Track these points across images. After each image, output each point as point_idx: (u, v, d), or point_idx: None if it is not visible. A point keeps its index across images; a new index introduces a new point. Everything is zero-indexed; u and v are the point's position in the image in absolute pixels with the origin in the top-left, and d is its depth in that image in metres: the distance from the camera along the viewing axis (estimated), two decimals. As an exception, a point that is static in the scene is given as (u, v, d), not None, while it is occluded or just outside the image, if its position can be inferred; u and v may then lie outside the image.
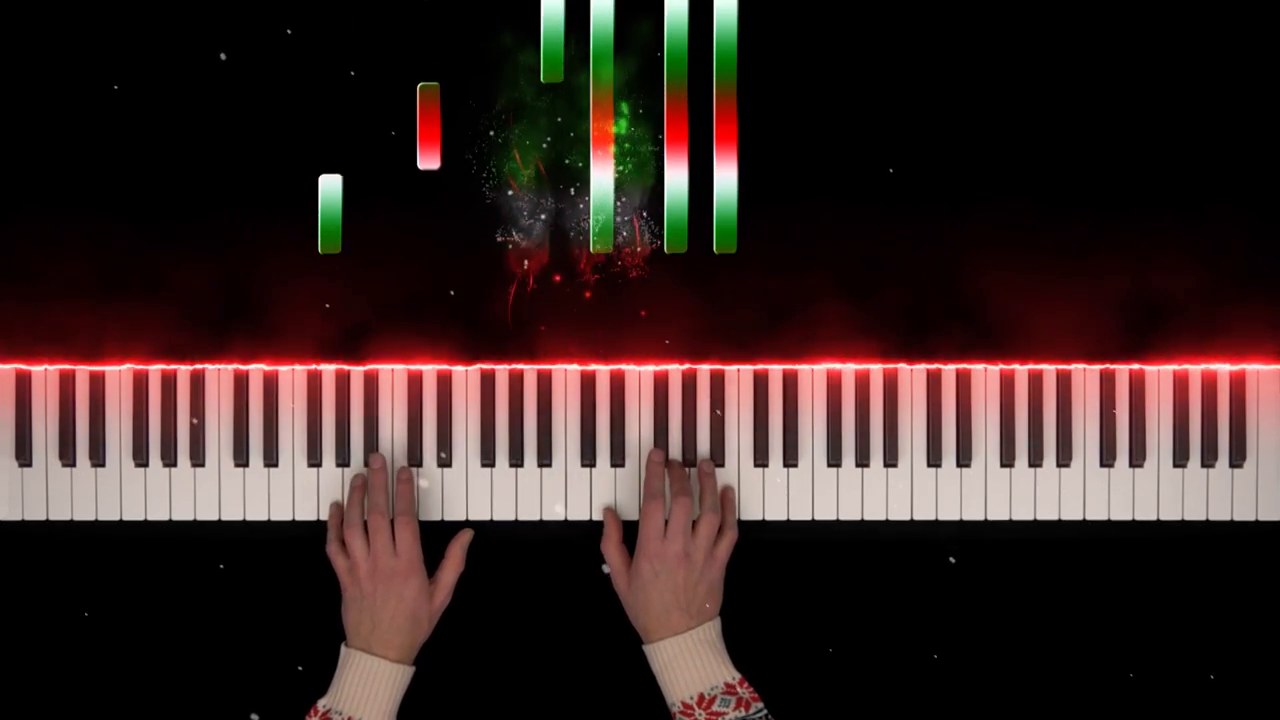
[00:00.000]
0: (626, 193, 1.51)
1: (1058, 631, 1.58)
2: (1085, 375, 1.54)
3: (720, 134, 1.50)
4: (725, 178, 1.51)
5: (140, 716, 1.58)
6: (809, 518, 1.54)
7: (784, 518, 1.54)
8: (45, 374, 1.53)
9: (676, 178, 1.51)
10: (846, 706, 1.57)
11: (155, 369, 1.53)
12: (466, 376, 1.54)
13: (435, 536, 1.51)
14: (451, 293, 1.50)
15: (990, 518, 1.54)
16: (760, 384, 1.54)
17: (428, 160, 1.51)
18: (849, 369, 1.54)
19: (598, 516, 1.54)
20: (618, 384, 1.54)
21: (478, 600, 1.55)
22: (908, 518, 1.54)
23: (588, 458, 1.54)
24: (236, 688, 1.58)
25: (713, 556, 1.47)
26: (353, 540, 1.48)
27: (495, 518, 1.54)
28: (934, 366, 1.53)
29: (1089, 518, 1.54)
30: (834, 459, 1.54)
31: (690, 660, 1.44)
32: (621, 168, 1.51)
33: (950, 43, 1.51)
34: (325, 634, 1.53)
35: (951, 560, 1.57)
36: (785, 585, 1.57)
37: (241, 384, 1.53)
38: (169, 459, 1.53)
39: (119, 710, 1.58)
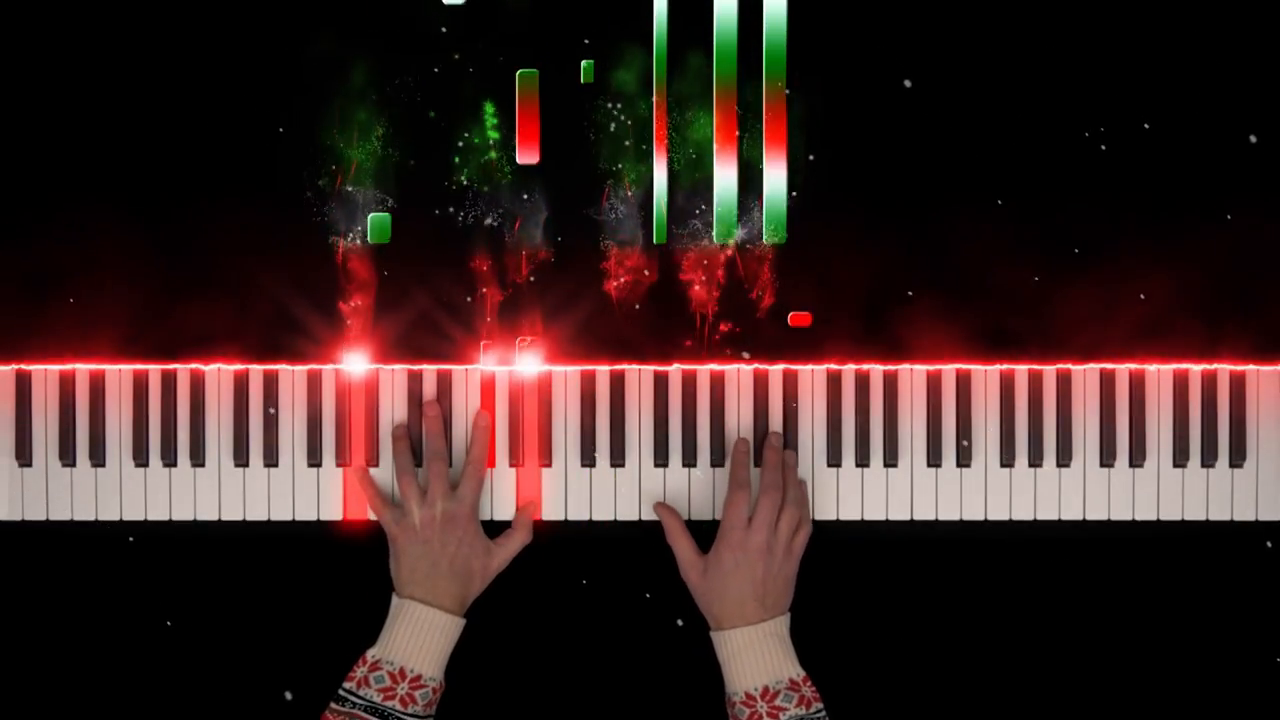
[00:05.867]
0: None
1: (1057, 631, 1.58)
2: (1085, 375, 1.54)
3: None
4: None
5: (140, 716, 1.58)
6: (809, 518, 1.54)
7: (784, 518, 1.54)
8: (45, 374, 1.53)
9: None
10: (845, 706, 1.56)
11: (155, 369, 1.53)
12: (466, 376, 1.54)
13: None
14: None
15: (990, 518, 1.54)
16: (760, 384, 1.54)
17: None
18: (849, 369, 1.54)
19: (599, 516, 1.54)
20: (617, 384, 1.54)
21: (479, 602, 1.55)
22: (908, 518, 1.54)
23: (588, 458, 1.54)
24: (236, 688, 1.58)
25: (790, 550, 1.47)
26: (407, 487, 1.47)
27: (495, 518, 1.54)
28: (934, 367, 1.53)
29: (1089, 518, 1.54)
30: (834, 459, 1.54)
31: (759, 651, 1.43)
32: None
33: (949, 55, 1.51)
34: (324, 634, 1.53)
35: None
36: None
37: (241, 384, 1.53)
38: (169, 459, 1.53)
39: (119, 711, 1.58)
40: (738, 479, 1.49)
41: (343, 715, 1.40)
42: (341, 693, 1.42)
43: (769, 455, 1.51)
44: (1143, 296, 1.51)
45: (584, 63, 1.51)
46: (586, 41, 1.51)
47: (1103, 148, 1.52)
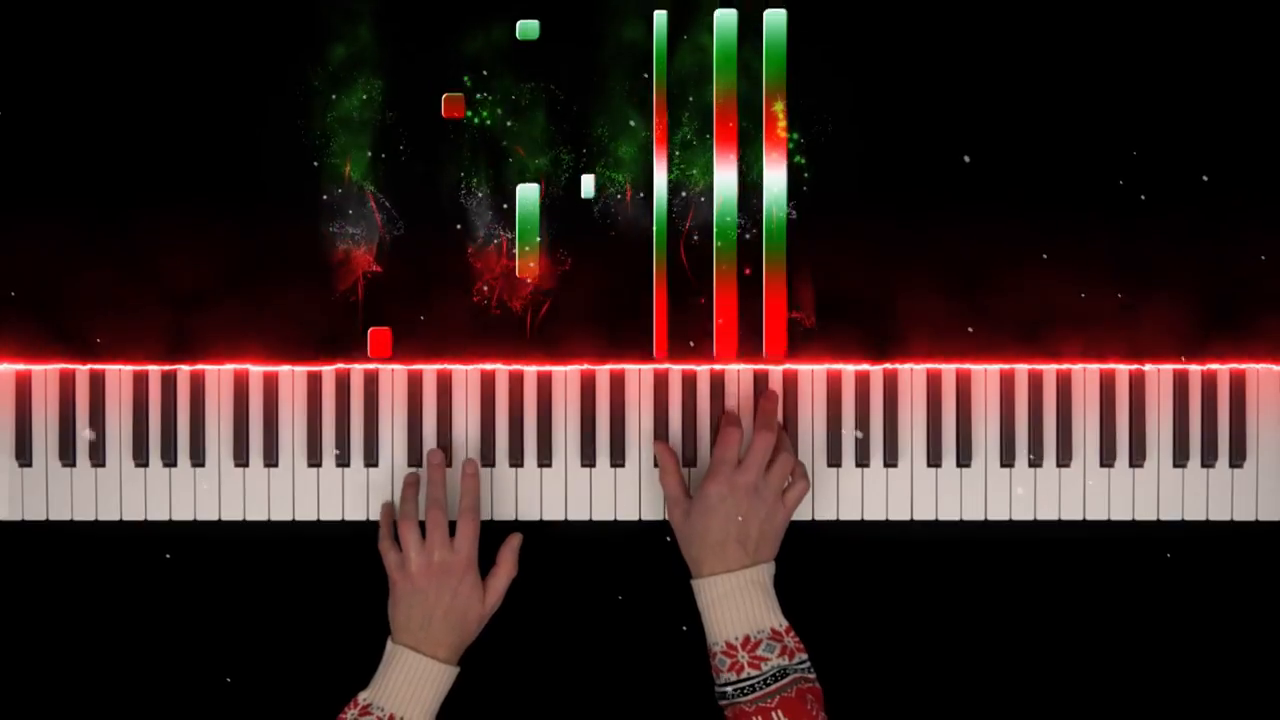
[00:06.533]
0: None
1: (1057, 631, 1.58)
2: (1085, 375, 1.54)
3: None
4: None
5: (140, 716, 1.58)
6: (809, 518, 1.54)
7: (784, 518, 1.54)
8: (45, 374, 1.53)
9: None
10: (845, 706, 1.56)
11: (155, 369, 1.53)
12: (466, 376, 1.54)
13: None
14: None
15: (990, 518, 1.54)
16: (761, 384, 1.54)
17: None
18: (849, 369, 1.54)
19: (599, 516, 1.54)
20: (618, 383, 1.54)
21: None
22: (908, 518, 1.54)
23: (588, 457, 1.54)
24: (234, 689, 1.58)
25: (782, 500, 1.45)
26: (407, 533, 1.46)
27: (495, 517, 1.54)
28: (934, 366, 1.53)
29: (1089, 518, 1.54)
30: (834, 459, 1.54)
31: (739, 599, 1.41)
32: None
33: (956, 57, 1.51)
34: (324, 634, 1.53)
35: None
36: (783, 585, 1.56)
37: (241, 384, 1.53)
38: (169, 459, 1.53)
39: (119, 711, 1.58)
40: (731, 417, 1.48)
41: None
42: None
43: (765, 403, 1.50)
44: (1142, 297, 1.51)
45: (584, 177, 1.52)
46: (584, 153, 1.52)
47: (1103, 149, 1.51)
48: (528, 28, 1.50)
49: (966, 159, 1.51)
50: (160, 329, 1.51)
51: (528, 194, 1.52)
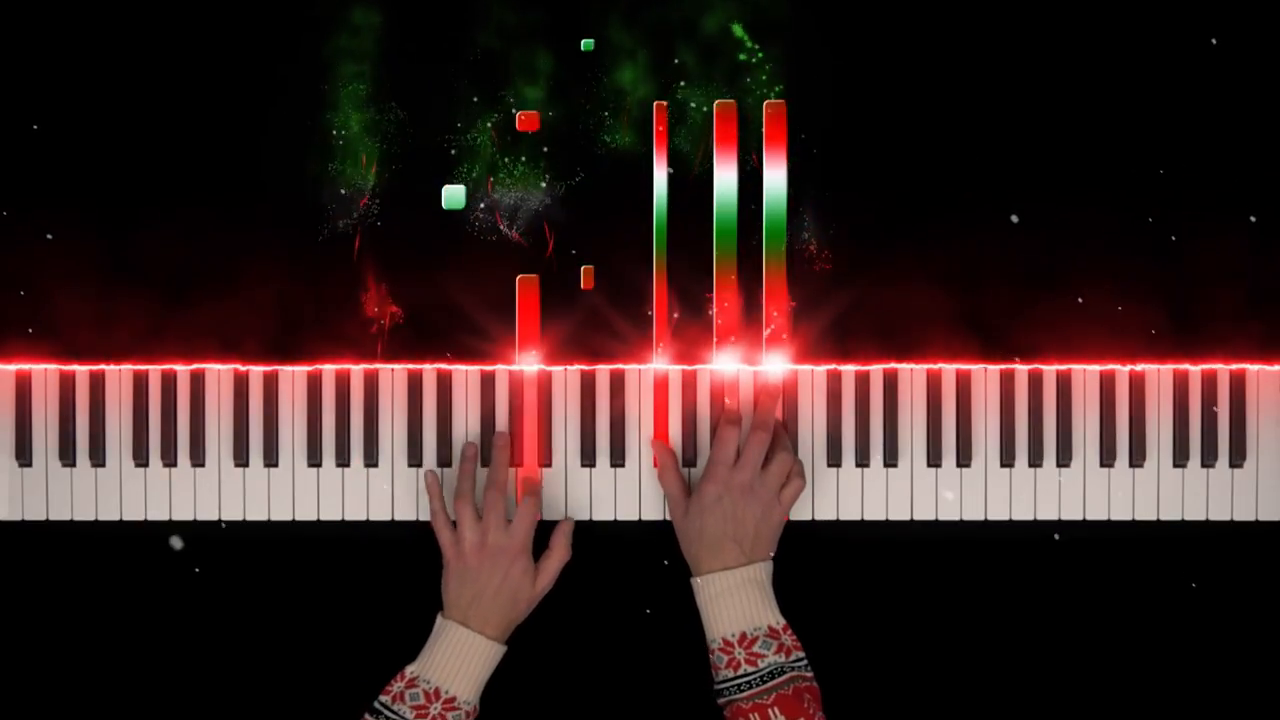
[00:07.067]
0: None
1: (1057, 631, 1.58)
2: (1085, 375, 1.54)
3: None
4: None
5: (140, 716, 1.58)
6: (809, 518, 1.54)
7: (784, 518, 1.54)
8: (45, 374, 1.53)
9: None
10: (845, 706, 1.56)
11: (155, 369, 1.53)
12: (466, 377, 1.54)
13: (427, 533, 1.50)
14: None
15: (991, 518, 1.54)
16: (760, 384, 1.54)
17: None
18: (849, 369, 1.54)
19: (599, 516, 1.54)
20: (618, 383, 1.54)
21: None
22: (908, 518, 1.54)
23: (588, 457, 1.54)
24: (235, 689, 1.58)
25: (778, 499, 1.46)
26: (463, 512, 1.47)
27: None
28: (934, 366, 1.53)
29: (1089, 518, 1.54)
30: (834, 459, 1.54)
31: (736, 597, 1.42)
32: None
33: (951, 59, 1.51)
34: (323, 635, 1.53)
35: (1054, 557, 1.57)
36: (783, 585, 1.56)
37: (241, 384, 1.53)
38: (169, 459, 1.53)
39: (120, 711, 1.58)
40: (729, 416, 1.48)
41: None
42: (377, 705, 1.42)
43: (763, 401, 1.50)
44: (1143, 297, 1.51)
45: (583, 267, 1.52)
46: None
47: (1103, 150, 1.51)
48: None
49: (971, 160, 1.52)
50: (159, 329, 1.51)
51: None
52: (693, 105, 1.52)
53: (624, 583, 1.57)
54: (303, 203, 1.52)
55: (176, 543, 1.54)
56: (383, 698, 1.42)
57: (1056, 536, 1.54)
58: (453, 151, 1.52)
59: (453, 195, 1.52)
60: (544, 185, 1.52)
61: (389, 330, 1.52)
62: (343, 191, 1.52)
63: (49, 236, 1.51)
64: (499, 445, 1.50)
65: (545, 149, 1.52)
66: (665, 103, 1.52)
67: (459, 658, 1.43)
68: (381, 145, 1.52)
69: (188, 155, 1.51)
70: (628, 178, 1.52)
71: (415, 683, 1.42)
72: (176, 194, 1.51)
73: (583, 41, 1.52)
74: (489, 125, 1.51)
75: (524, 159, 1.52)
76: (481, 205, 1.52)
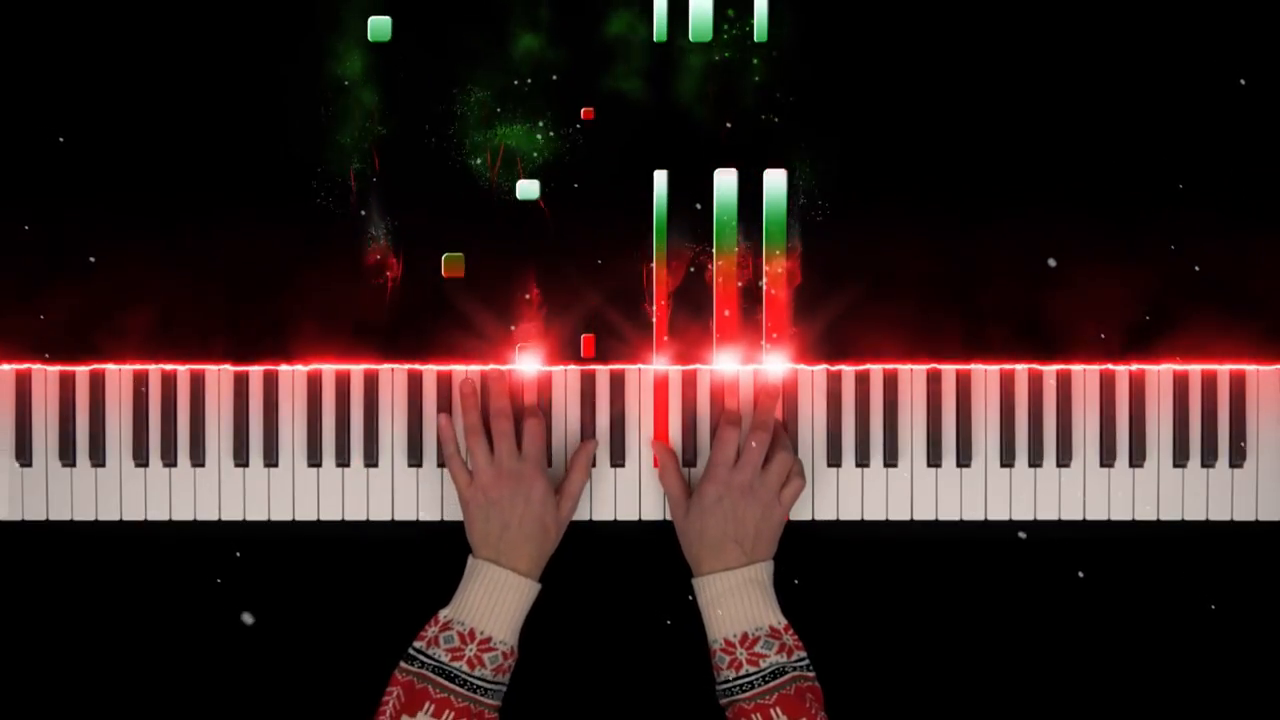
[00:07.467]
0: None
1: (1056, 631, 1.58)
2: (1085, 375, 1.54)
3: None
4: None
5: (140, 716, 1.58)
6: (809, 518, 1.54)
7: (784, 518, 1.54)
8: (45, 374, 1.53)
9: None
10: (845, 706, 1.57)
11: (155, 369, 1.53)
12: (467, 377, 1.54)
13: (453, 536, 1.50)
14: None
15: (990, 518, 1.54)
16: (760, 384, 1.54)
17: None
18: (849, 369, 1.54)
19: (599, 516, 1.54)
20: (618, 383, 1.54)
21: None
22: (908, 518, 1.54)
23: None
24: (235, 689, 1.58)
25: (779, 499, 1.46)
26: (475, 446, 1.46)
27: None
28: (934, 366, 1.53)
29: (1089, 518, 1.54)
30: (834, 459, 1.54)
31: (738, 597, 1.42)
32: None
33: (948, 57, 1.51)
34: (322, 635, 1.53)
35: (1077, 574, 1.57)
36: (783, 585, 1.57)
37: (241, 384, 1.53)
38: (169, 459, 1.53)
39: (120, 711, 1.58)
40: (729, 417, 1.48)
41: (412, 674, 1.39)
42: (411, 651, 1.41)
43: (763, 401, 1.50)
44: (1143, 297, 1.52)
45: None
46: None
47: (1103, 151, 1.52)
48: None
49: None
50: (163, 329, 1.51)
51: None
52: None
53: (624, 583, 1.57)
54: (304, 204, 1.52)
55: (248, 618, 1.54)
56: (417, 643, 1.41)
57: (1053, 537, 1.54)
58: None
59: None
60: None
61: (391, 293, 1.52)
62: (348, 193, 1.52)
63: (49, 237, 1.51)
64: (494, 378, 1.50)
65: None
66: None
67: (492, 596, 1.41)
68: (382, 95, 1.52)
69: (188, 154, 1.51)
70: (628, 178, 1.52)
71: (450, 625, 1.41)
72: (178, 194, 1.51)
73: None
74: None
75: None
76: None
